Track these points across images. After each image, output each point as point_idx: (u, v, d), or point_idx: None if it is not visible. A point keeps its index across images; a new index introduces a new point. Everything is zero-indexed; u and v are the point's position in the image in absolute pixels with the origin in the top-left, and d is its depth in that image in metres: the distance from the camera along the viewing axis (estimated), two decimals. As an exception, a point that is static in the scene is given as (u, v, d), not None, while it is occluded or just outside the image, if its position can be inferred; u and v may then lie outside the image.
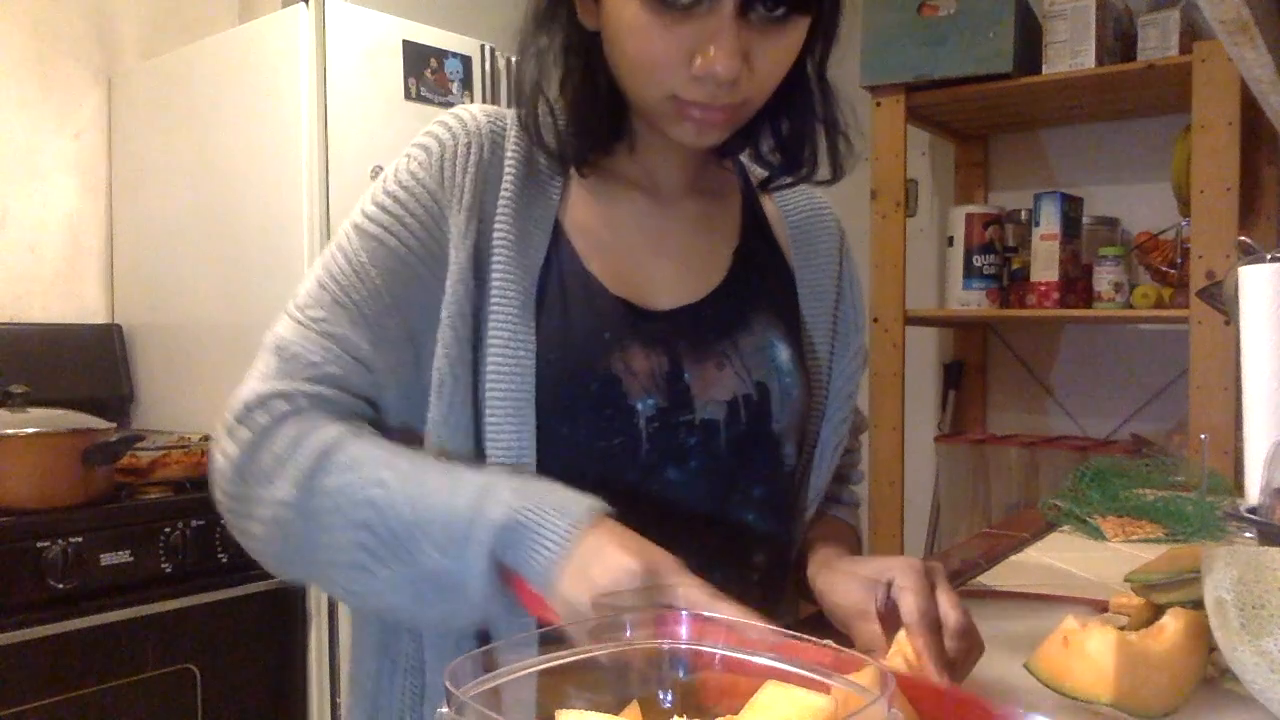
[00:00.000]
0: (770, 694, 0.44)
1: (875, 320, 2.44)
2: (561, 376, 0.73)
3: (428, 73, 2.11)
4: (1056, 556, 1.17)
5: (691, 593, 0.57)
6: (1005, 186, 2.84)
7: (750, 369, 0.80)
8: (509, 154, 0.77)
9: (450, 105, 1.80)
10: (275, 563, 0.71)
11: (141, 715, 1.67)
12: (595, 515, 0.62)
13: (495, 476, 0.65)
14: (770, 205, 0.91)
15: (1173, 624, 0.67)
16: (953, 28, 2.31)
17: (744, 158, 0.88)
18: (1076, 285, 2.40)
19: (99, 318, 2.40)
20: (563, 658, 0.48)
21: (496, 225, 0.74)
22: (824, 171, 0.82)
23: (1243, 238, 1.19)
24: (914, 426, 2.58)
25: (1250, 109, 1.96)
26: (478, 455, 0.72)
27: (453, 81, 2.15)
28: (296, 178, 1.95)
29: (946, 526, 2.70)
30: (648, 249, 0.81)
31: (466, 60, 2.18)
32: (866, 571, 0.72)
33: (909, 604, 0.65)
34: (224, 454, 0.70)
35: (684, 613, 0.53)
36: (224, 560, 1.77)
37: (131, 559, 1.66)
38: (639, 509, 0.66)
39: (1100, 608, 0.91)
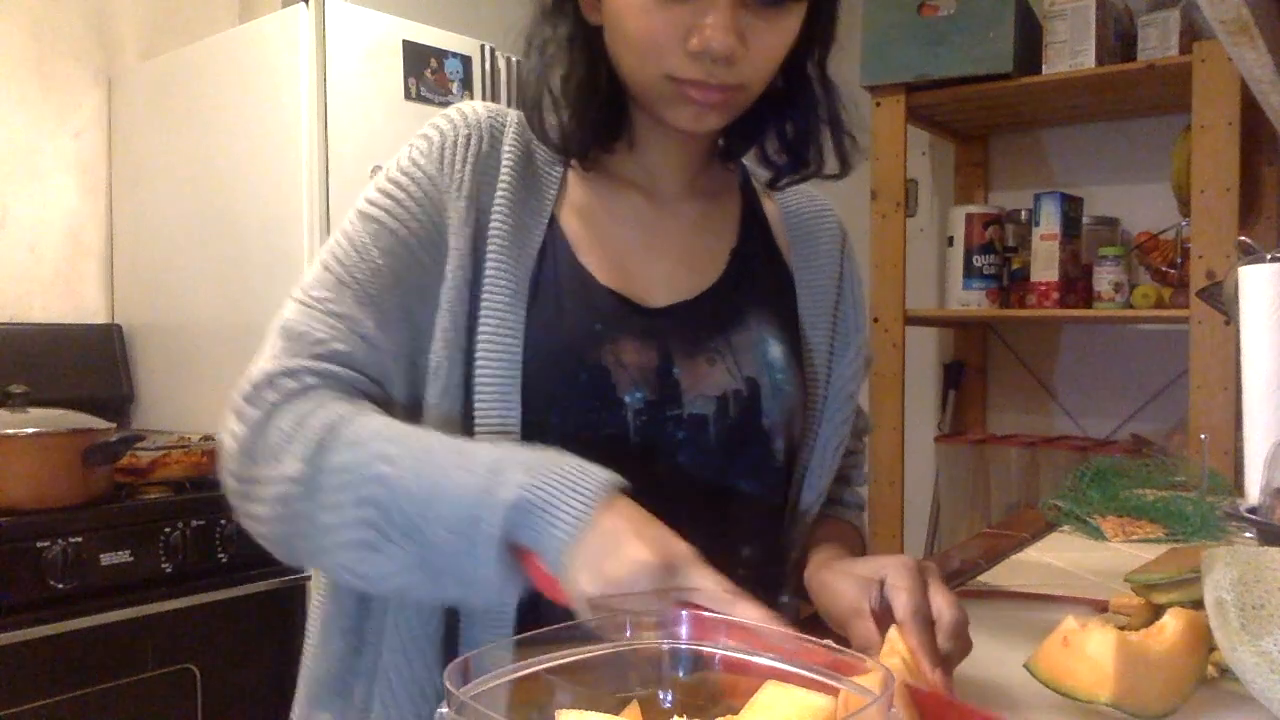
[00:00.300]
0: (771, 694, 0.44)
1: (875, 320, 2.44)
2: (551, 366, 0.74)
3: (428, 73, 2.11)
4: (1056, 556, 1.17)
5: (711, 591, 0.57)
6: (1005, 186, 2.84)
7: (741, 365, 0.80)
8: (507, 148, 0.78)
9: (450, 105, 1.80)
10: (280, 546, 0.70)
11: (141, 715, 1.67)
12: (610, 491, 0.61)
13: (507, 451, 0.64)
14: (771, 206, 0.91)
15: (1173, 624, 0.67)
16: (953, 28, 2.31)
17: (749, 160, 0.89)
18: (1076, 285, 2.40)
19: (99, 318, 2.40)
20: (563, 658, 0.47)
21: (493, 216, 0.76)
22: (831, 165, 0.83)
23: (1243, 238, 1.19)
24: (914, 426, 2.58)
25: (1250, 109, 1.96)
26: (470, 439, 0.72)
27: (453, 81, 2.15)
28: (296, 178, 1.95)
29: (946, 526, 2.70)
30: (644, 246, 0.82)
31: (466, 60, 2.18)
32: (861, 571, 0.72)
33: (902, 602, 0.65)
34: (232, 435, 0.70)
35: (687, 614, 0.52)
36: (224, 560, 1.77)
37: (131, 559, 1.66)
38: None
39: (1100, 608, 0.91)
